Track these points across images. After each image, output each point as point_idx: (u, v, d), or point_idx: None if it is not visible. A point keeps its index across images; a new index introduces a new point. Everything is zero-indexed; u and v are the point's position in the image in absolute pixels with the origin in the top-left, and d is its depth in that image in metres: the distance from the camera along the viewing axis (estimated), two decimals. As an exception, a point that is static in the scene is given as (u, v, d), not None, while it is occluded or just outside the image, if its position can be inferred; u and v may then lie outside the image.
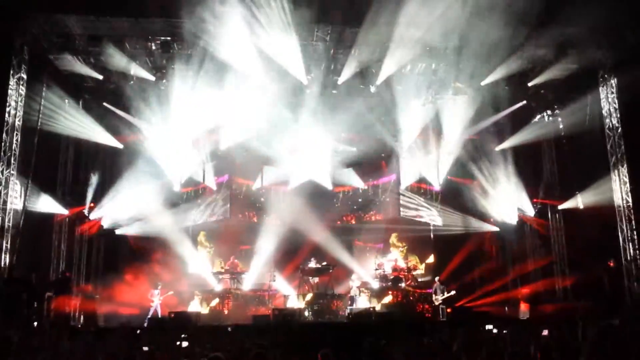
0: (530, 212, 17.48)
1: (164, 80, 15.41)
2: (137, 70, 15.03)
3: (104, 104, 16.09)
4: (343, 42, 14.68)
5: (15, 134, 13.51)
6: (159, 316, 14.43)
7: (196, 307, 14.83)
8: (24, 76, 13.78)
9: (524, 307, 15.17)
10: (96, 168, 16.81)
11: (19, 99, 13.66)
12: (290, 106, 15.96)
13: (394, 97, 15.98)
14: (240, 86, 15.11)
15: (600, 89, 15.38)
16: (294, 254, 16.76)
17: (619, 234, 14.74)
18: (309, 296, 15.02)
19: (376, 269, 16.32)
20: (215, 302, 15.06)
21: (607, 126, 15.17)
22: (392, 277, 15.81)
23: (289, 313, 13.44)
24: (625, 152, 14.89)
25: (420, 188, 18.27)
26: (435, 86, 16.18)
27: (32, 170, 13.60)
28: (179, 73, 15.00)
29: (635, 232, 14.50)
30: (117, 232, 16.55)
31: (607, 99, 15.25)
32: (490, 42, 13.41)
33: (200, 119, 15.93)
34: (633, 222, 14.60)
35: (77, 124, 15.66)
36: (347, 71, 15.36)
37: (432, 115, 16.88)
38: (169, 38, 14.34)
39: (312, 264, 15.74)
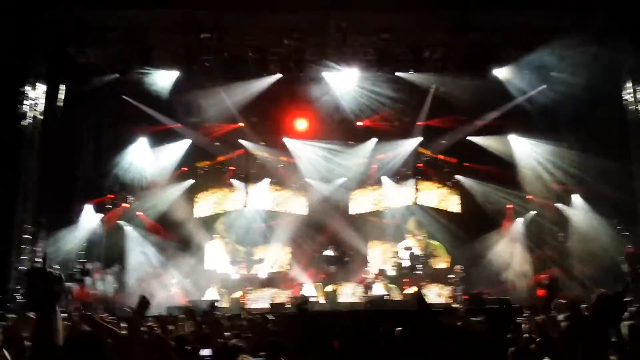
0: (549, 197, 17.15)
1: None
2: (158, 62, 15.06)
3: (123, 96, 16.15)
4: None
5: (35, 127, 13.61)
6: (175, 305, 14.56)
7: (213, 296, 14.95)
8: (43, 70, 13.68)
9: (540, 294, 15.10)
10: (117, 159, 16.88)
11: (39, 93, 13.68)
12: None
13: None
14: None
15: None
16: (311, 241, 16.79)
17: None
18: (326, 284, 15.10)
19: (392, 257, 16.35)
20: (233, 291, 15.19)
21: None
22: (407, 265, 15.80)
23: (306, 301, 13.53)
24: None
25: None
26: None
27: (52, 163, 13.73)
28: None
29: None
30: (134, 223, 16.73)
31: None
32: None
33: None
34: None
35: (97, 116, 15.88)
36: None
37: None
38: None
39: (330, 252, 15.79)
